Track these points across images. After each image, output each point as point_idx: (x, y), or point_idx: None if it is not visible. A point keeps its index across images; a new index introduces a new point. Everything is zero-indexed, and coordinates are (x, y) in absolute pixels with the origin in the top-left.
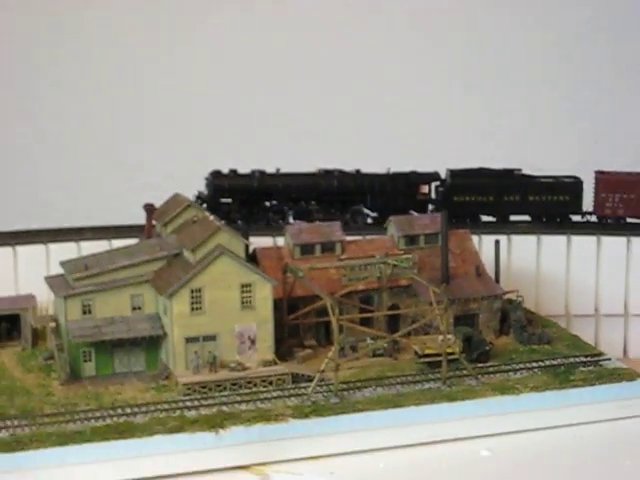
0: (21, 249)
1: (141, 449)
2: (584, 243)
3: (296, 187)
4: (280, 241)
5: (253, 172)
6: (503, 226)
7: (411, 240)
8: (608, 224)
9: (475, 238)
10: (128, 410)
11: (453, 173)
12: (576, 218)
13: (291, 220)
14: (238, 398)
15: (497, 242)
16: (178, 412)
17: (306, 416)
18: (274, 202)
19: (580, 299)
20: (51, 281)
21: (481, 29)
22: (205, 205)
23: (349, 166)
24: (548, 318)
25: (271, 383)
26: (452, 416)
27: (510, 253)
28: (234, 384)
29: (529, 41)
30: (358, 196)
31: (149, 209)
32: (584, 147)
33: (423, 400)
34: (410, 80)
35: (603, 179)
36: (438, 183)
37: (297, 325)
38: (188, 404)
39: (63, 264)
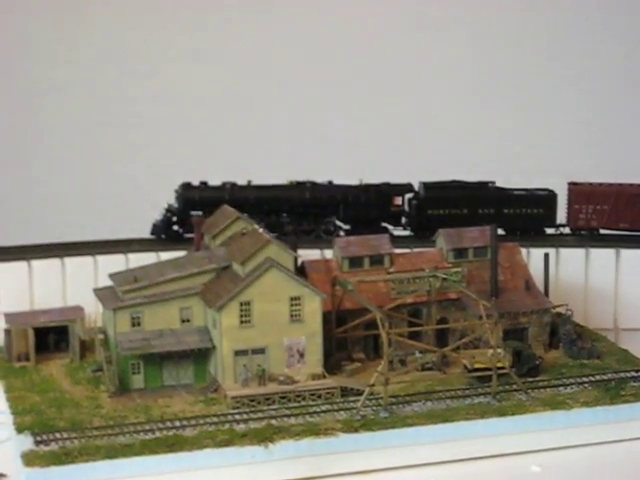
0: (69, 260)
1: (191, 463)
2: (633, 256)
3: (268, 199)
4: (328, 254)
5: (224, 184)
6: (551, 239)
7: (460, 253)
8: None
9: (523, 251)
10: (177, 423)
11: (427, 186)
12: (550, 231)
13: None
14: (287, 412)
15: (546, 255)
16: (227, 425)
17: (355, 430)
18: (245, 215)
19: (629, 312)
20: (100, 293)
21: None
22: (175, 218)
23: (321, 178)
24: (597, 332)
25: (320, 397)
26: (502, 431)
27: (558, 266)
28: (283, 397)
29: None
30: (330, 208)
31: (198, 221)
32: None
33: (473, 415)
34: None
35: (576, 190)
36: (412, 196)
37: (345, 338)
38: (237, 417)
39: (112, 276)
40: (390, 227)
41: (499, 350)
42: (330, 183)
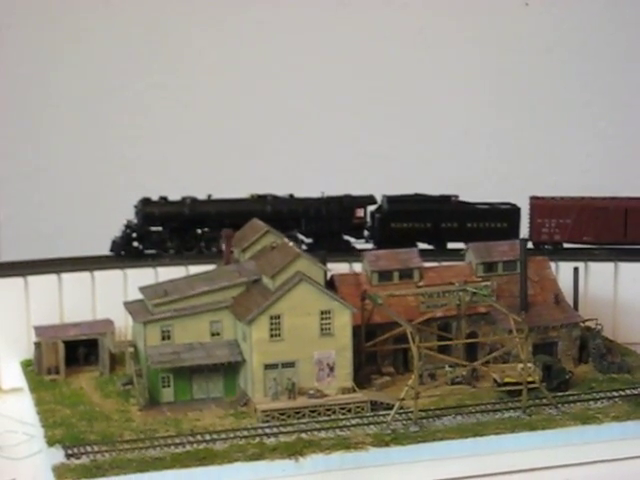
0: (99, 274)
1: (221, 476)
2: None
3: (229, 213)
4: (357, 267)
5: (184, 199)
6: (580, 253)
7: (489, 267)
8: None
9: (552, 265)
10: (207, 437)
11: (390, 199)
12: None
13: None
14: (317, 425)
15: (576, 269)
16: (257, 439)
17: (386, 444)
18: (206, 229)
19: None
20: (130, 307)
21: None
22: (134, 234)
23: (282, 191)
24: (626, 346)
25: (350, 410)
26: (533, 445)
27: (587, 280)
28: (313, 411)
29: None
30: (292, 221)
31: (227, 235)
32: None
33: (503, 429)
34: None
35: (538, 205)
36: (375, 209)
37: (375, 352)
38: (267, 431)
39: (142, 290)
40: (352, 240)
41: (529, 364)
42: (291, 196)
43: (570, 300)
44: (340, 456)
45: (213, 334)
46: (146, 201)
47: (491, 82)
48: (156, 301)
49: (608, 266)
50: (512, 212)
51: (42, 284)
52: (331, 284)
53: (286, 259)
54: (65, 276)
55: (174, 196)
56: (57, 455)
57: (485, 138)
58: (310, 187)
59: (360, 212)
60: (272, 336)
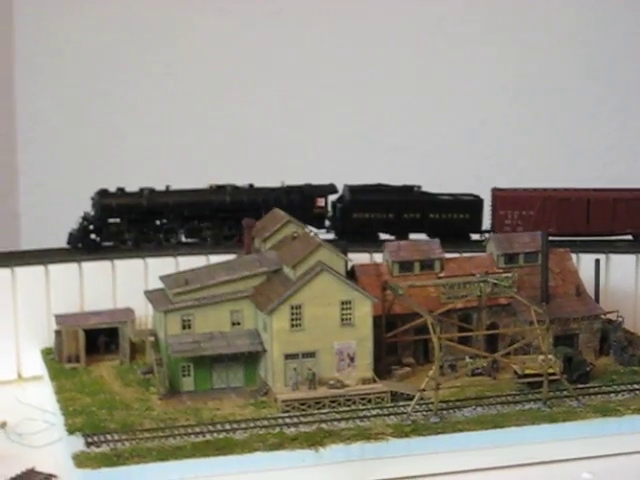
0: (119, 263)
1: (241, 465)
2: None
3: (187, 204)
4: (378, 258)
5: (142, 190)
6: (602, 245)
7: (510, 258)
8: None
9: (573, 257)
10: (227, 426)
11: (352, 189)
12: (476, 237)
13: (183, 239)
14: (337, 416)
15: (597, 261)
16: (277, 429)
17: (406, 435)
18: (164, 221)
19: None
20: (150, 295)
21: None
22: (92, 226)
23: (242, 181)
24: None
25: (370, 401)
26: (553, 437)
27: (608, 272)
28: (333, 401)
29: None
30: (252, 212)
31: (248, 224)
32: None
33: (523, 421)
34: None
35: (500, 196)
36: (337, 199)
37: (395, 343)
38: (287, 421)
39: (163, 279)
40: (314, 230)
41: (550, 356)
42: (251, 186)
43: (591, 292)
44: (360, 446)
45: (234, 323)
46: (103, 192)
47: (509, 74)
48: (177, 290)
49: (630, 258)
50: (474, 203)
51: (63, 272)
52: (352, 274)
53: (307, 249)
54: (86, 265)
55: (132, 187)
56: (77, 443)
57: (503, 131)
58: (271, 177)
59: (321, 201)
60: (293, 326)
